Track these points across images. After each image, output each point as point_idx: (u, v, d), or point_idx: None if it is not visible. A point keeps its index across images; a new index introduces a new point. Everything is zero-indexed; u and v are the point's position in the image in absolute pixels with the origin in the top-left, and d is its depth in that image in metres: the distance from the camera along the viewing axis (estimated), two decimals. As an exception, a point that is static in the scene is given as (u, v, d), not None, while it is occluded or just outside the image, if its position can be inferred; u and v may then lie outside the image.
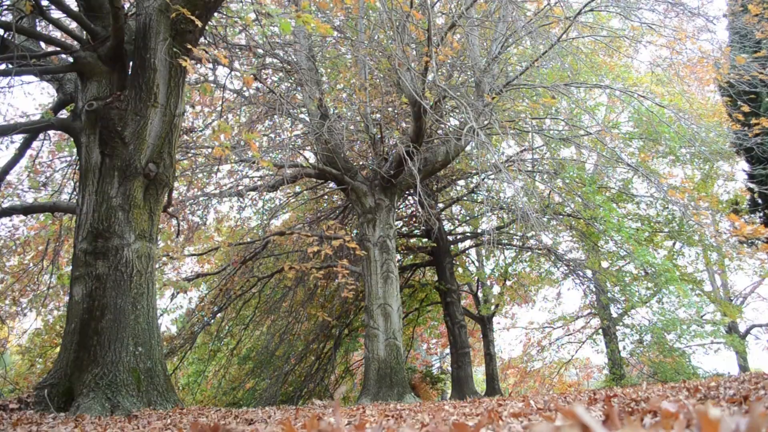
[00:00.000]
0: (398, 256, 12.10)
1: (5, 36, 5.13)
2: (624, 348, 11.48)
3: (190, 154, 7.93)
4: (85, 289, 4.22)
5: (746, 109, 8.10)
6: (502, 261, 13.03)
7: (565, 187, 9.31)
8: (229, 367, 11.20)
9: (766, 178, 9.48)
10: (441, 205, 12.04)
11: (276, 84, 8.75)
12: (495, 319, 13.32)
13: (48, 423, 3.02)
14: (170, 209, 5.79)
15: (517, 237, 11.82)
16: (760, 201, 10.14)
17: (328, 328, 11.32)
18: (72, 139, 5.71)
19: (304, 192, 10.99)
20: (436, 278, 11.70)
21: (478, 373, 16.79)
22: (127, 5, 5.38)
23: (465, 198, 12.32)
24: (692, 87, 10.04)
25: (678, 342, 9.88)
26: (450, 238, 12.08)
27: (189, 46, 4.54)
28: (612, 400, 2.45)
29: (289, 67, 7.79)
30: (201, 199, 8.56)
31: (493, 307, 12.69)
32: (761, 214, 10.12)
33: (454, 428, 1.20)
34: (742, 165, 10.64)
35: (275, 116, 8.58)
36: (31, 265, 8.27)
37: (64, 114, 6.11)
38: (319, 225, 10.36)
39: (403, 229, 12.35)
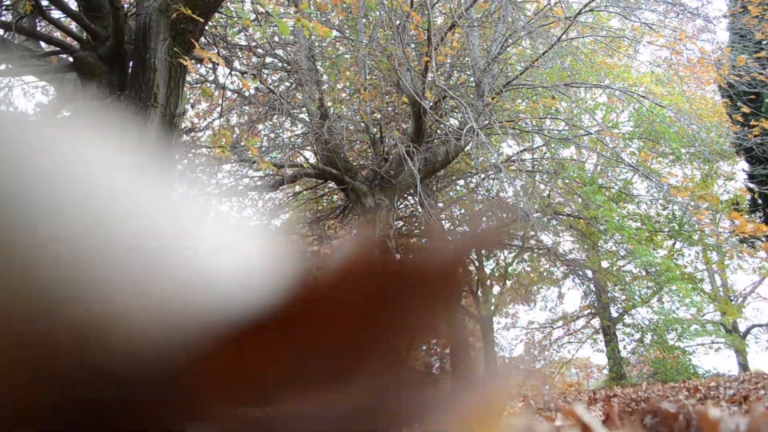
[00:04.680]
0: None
1: (5, 36, 5.13)
2: (624, 348, 11.48)
3: (190, 155, 7.93)
4: (85, 289, 4.22)
5: (746, 109, 8.10)
6: (502, 261, 13.04)
7: (565, 187, 9.31)
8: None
9: (766, 178, 9.48)
10: (441, 205, 12.04)
11: (276, 84, 8.75)
12: (495, 319, 13.34)
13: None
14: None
15: (518, 237, 11.83)
16: (760, 201, 10.14)
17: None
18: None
19: (304, 192, 10.99)
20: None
21: (478, 373, 16.75)
22: (127, 5, 5.38)
23: (465, 198, 12.32)
24: (692, 87, 10.04)
25: (678, 341, 9.88)
26: (450, 238, 12.05)
27: (189, 46, 4.54)
28: (612, 400, 2.45)
29: (289, 66, 7.80)
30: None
31: (493, 307, 12.70)
32: (761, 214, 10.12)
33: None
34: (742, 165, 10.65)
35: (275, 116, 8.58)
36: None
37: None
38: (319, 225, 10.36)
39: (403, 229, 12.35)
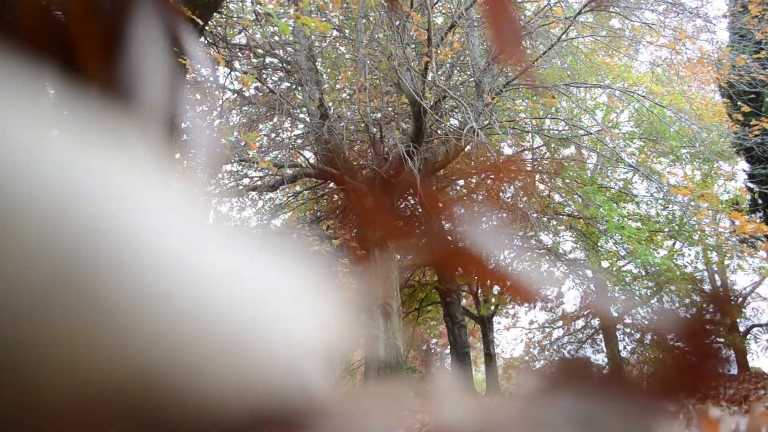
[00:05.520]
0: (398, 256, 12.09)
1: (5, 36, 5.13)
2: (624, 348, 11.48)
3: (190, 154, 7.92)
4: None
5: (746, 109, 8.10)
6: (502, 261, 13.02)
7: (565, 187, 9.31)
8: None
9: (766, 178, 9.48)
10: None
11: (276, 84, 8.75)
12: (495, 319, 13.33)
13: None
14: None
15: (518, 237, 11.82)
16: (760, 201, 10.14)
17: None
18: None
19: (304, 192, 10.98)
20: (436, 278, 11.69)
21: (479, 373, 16.79)
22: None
23: (465, 198, 12.30)
24: (692, 87, 10.02)
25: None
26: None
27: (189, 46, 4.54)
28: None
29: (289, 66, 7.80)
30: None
31: (493, 307, 12.69)
32: (761, 214, 10.11)
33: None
34: (742, 165, 10.64)
35: (275, 116, 8.59)
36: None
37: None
38: (319, 225, 10.36)
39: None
